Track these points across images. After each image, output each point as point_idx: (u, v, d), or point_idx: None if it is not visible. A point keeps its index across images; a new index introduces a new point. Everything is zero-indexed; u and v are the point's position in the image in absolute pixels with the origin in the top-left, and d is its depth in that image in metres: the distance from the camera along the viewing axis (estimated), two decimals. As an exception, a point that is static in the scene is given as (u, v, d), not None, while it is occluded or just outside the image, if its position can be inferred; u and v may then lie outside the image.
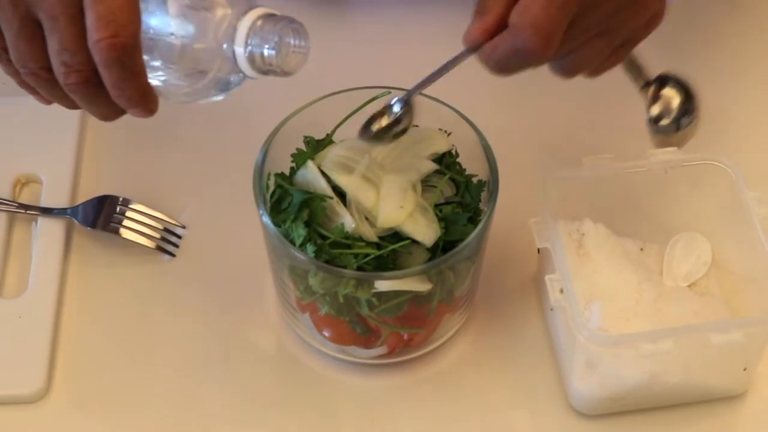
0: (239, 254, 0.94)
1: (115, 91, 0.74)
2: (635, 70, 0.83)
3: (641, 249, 0.92)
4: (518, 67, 0.77)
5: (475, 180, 0.87)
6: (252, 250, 0.91)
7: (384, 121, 0.80)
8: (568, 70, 0.79)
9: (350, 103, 0.87)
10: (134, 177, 0.99)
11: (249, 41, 0.75)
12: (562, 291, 0.83)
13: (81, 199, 0.97)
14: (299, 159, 0.87)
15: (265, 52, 0.75)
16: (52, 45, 0.72)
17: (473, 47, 0.77)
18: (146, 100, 0.75)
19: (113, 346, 0.91)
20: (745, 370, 0.86)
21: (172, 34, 0.74)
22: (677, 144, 0.85)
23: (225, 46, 0.75)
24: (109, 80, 0.73)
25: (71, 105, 0.77)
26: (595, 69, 0.80)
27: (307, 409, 0.88)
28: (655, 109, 0.84)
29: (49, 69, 0.74)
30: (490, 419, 0.88)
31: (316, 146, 0.87)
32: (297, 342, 0.90)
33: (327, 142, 0.88)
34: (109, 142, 1.01)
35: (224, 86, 0.78)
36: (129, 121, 0.96)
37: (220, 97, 0.79)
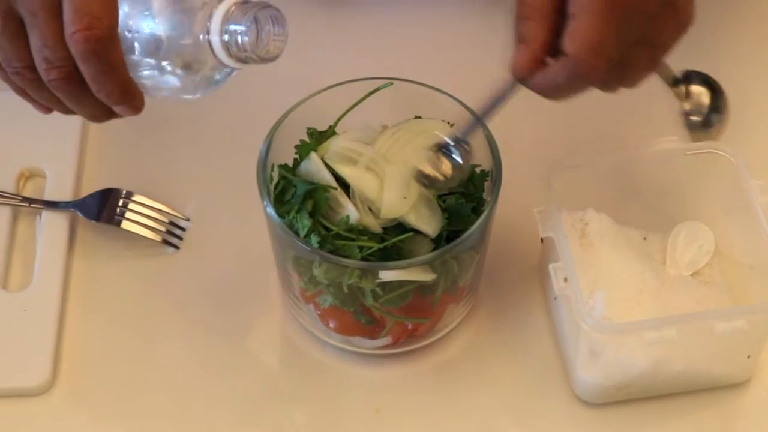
0: (243, 246, 0.94)
1: (95, 85, 0.73)
2: (664, 69, 0.84)
3: (644, 238, 0.92)
4: (578, 91, 0.77)
5: (478, 170, 0.87)
6: (256, 241, 0.92)
7: (445, 169, 0.80)
8: (612, 85, 0.79)
9: (353, 94, 0.88)
10: (138, 170, 0.99)
11: (224, 29, 0.74)
12: (566, 280, 0.83)
13: (85, 192, 0.97)
14: (303, 150, 0.87)
15: (239, 39, 0.74)
16: (34, 41, 0.72)
17: (523, 77, 0.77)
18: (128, 96, 0.74)
19: (118, 338, 0.91)
20: (749, 357, 0.87)
21: (151, 28, 0.74)
22: (712, 138, 0.87)
23: (202, 36, 0.75)
24: (88, 74, 0.73)
25: (63, 108, 0.76)
26: (635, 79, 0.80)
27: (311, 400, 0.88)
28: (686, 106, 0.85)
29: (33, 68, 0.73)
30: (494, 409, 0.88)
31: (319, 138, 0.87)
32: (301, 333, 0.91)
33: (330, 133, 0.88)
34: (113, 135, 1.01)
35: (209, 82, 0.77)
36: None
37: (206, 93, 0.78)
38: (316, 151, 0.86)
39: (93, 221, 0.95)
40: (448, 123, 0.88)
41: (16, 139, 1.00)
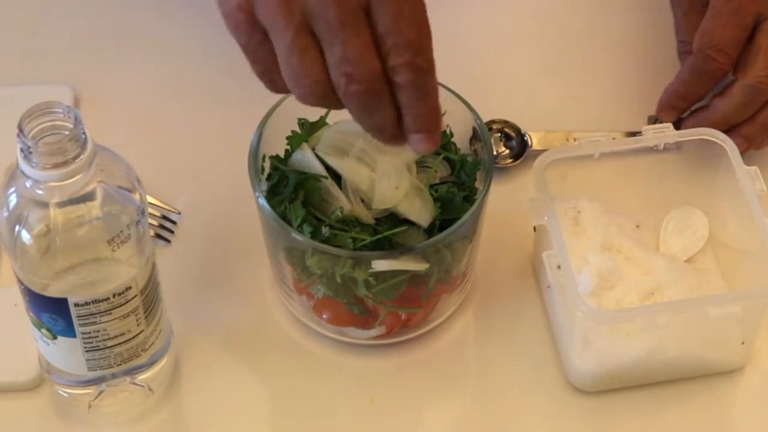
0: (235, 238, 0.94)
1: (406, 109, 0.73)
2: None
3: (637, 226, 0.92)
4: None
5: (470, 159, 0.87)
6: (248, 233, 0.91)
7: None
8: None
9: (344, 84, 0.87)
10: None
11: None
12: (559, 267, 0.83)
13: (74, 186, 0.96)
14: (294, 141, 0.87)
15: None
16: (333, 55, 0.71)
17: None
18: (432, 128, 0.74)
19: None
20: (743, 344, 0.87)
21: None
22: None
23: None
24: (402, 99, 0.73)
25: (338, 106, 0.75)
26: None
27: (305, 391, 0.88)
28: None
29: (322, 81, 0.72)
30: (488, 398, 0.88)
31: (310, 128, 0.87)
32: (294, 324, 0.90)
33: (321, 124, 0.88)
34: (102, 128, 1.00)
35: None
36: (121, 106, 0.96)
37: None
38: (307, 141, 0.86)
39: (83, 215, 0.94)
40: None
41: (4, 135, 0.99)
